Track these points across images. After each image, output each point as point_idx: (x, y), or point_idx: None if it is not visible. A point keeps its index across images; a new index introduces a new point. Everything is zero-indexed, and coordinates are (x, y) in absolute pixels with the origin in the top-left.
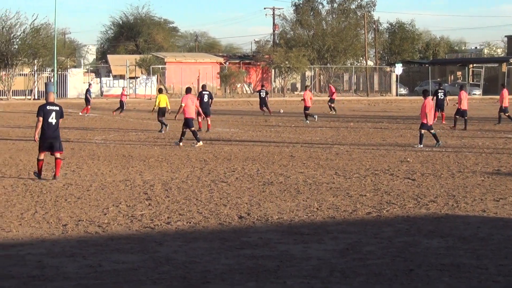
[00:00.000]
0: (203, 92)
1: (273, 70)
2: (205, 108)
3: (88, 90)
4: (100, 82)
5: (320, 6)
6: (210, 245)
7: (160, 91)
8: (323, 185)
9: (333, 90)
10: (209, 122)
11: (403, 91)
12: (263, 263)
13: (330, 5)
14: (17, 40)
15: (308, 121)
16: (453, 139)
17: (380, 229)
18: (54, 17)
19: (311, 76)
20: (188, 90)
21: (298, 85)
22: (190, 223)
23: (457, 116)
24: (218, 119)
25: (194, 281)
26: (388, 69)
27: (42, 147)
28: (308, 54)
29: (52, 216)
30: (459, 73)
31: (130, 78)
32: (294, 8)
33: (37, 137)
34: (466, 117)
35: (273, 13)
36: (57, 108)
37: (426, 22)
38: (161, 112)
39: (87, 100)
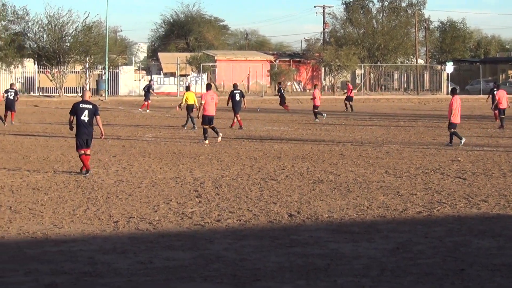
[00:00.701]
0: (235, 91)
1: (323, 68)
2: (236, 106)
3: (149, 86)
4: (151, 79)
5: (371, 4)
6: (260, 243)
7: (187, 88)
8: (373, 183)
9: (351, 87)
10: (239, 118)
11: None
12: (313, 261)
13: (380, 3)
14: (69, 37)
15: (318, 120)
16: (504, 139)
17: (430, 228)
18: (105, 15)
19: (361, 74)
20: (208, 87)
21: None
22: (240, 220)
23: (502, 116)
24: (268, 117)
25: (244, 278)
26: (439, 67)
27: (79, 145)
28: (358, 52)
29: (103, 212)
30: (510, 71)
31: (181, 75)
32: (344, 6)
33: (72, 127)
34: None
35: (324, 11)
36: (90, 106)
37: (477, 20)
38: (190, 108)
39: (146, 97)
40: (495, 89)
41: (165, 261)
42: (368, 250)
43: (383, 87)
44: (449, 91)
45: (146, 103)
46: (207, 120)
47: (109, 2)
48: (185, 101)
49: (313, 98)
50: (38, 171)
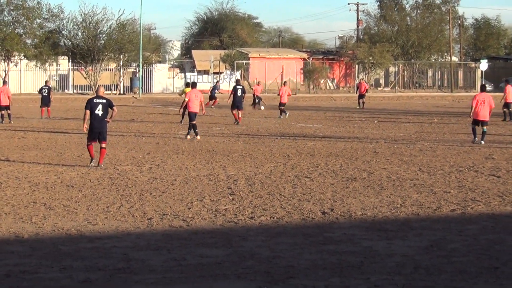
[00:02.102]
0: (237, 87)
1: (356, 66)
2: (238, 102)
3: (215, 87)
4: (185, 77)
5: (405, 1)
6: (294, 240)
7: (187, 85)
8: (406, 181)
9: (366, 86)
10: (240, 116)
11: (488, 87)
12: (347, 258)
13: (414, 0)
14: (103, 35)
15: (281, 117)
16: None
17: (464, 226)
18: (140, 13)
19: (394, 72)
20: (193, 85)
21: (382, 81)
22: (273, 218)
23: (504, 110)
24: (301, 114)
25: (278, 276)
26: (473, 65)
27: (90, 138)
28: (392, 49)
29: (137, 209)
30: None
31: (214, 73)
32: (378, 3)
33: (86, 126)
34: (511, 109)
35: (357, 8)
36: (104, 100)
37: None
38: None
39: (212, 96)
40: (505, 84)
41: (198, 258)
42: (402, 248)
43: (416, 85)
44: (480, 87)
45: (212, 101)
46: (191, 116)
47: (143, 0)
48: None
49: (280, 95)
50: (72, 168)
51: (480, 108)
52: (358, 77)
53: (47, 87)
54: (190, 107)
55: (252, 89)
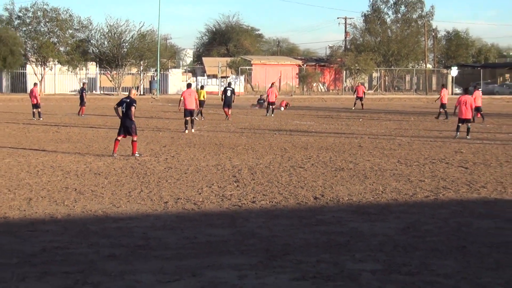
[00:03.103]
0: (227, 88)
1: (344, 72)
2: (228, 101)
3: (261, 99)
4: (196, 80)
5: (386, 16)
6: (290, 222)
7: (202, 87)
8: (387, 171)
9: (364, 89)
10: (229, 113)
11: (458, 90)
12: (335, 238)
13: (394, 15)
14: (126, 44)
15: (268, 114)
16: (502, 134)
17: (436, 210)
18: (158, 25)
19: (377, 77)
20: (188, 86)
21: (366, 85)
22: (272, 202)
23: (440, 110)
24: (296, 113)
25: (276, 252)
26: (445, 71)
27: (119, 131)
28: (375, 58)
29: (155, 194)
30: (507, 75)
31: (222, 77)
32: (363, 17)
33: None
34: (481, 112)
35: (345, 22)
36: (128, 100)
37: (478, 30)
38: (201, 103)
39: (261, 101)
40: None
41: (207, 237)
42: (383, 229)
43: (396, 88)
44: (464, 90)
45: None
46: (188, 113)
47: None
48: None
49: (268, 95)
50: (99, 158)
51: (463, 108)
52: (345, 81)
53: (84, 89)
54: (185, 104)
55: (253, 90)
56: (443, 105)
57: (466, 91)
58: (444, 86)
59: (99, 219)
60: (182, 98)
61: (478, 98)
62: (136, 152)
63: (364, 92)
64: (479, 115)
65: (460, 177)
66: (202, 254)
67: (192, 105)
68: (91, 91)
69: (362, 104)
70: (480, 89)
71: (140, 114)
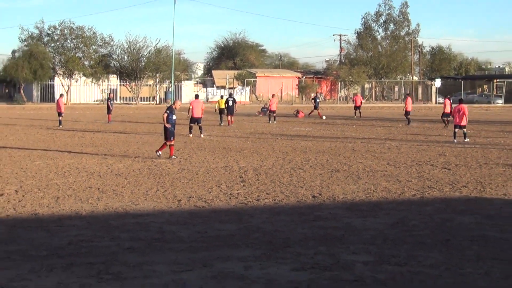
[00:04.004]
0: (229, 99)
1: (339, 83)
2: (230, 110)
3: (316, 98)
4: (206, 91)
5: (377, 33)
6: (290, 218)
7: (221, 97)
8: (378, 172)
9: (361, 99)
10: (231, 120)
11: (441, 100)
12: (332, 232)
13: (384, 32)
14: (144, 58)
15: (270, 122)
16: (481, 138)
17: (422, 207)
18: (172, 41)
19: (369, 88)
20: (196, 97)
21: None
22: (275, 200)
23: (443, 118)
24: (297, 120)
25: (278, 245)
26: (429, 82)
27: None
28: (367, 70)
29: (169, 193)
30: (485, 86)
31: (229, 88)
32: (356, 34)
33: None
34: (449, 118)
35: (340, 38)
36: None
37: (460, 46)
38: (221, 111)
39: (316, 107)
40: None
41: (217, 231)
42: (374, 224)
43: (386, 98)
44: (458, 100)
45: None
46: (194, 120)
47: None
48: (219, 105)
49: (270, 105)
50: (120, 161)
51: (457, 115)
52: (340, 91)
53: (111, 99)
54: (193, 113)
55: (257, 99)
56: (407, 113)
57: (460, 101)
58: (408, 95)
59: (119, 215)
60: (190, 107)
61: (409, 104)
62: (173, 155)
63: (362, 102)
64: (447, 121)
65: (444, 177)
66: (212, 247)
67: (199, 113)
68: (112, 101)
69: (360, 113)
70: (449, 97)
71: (156, 121)
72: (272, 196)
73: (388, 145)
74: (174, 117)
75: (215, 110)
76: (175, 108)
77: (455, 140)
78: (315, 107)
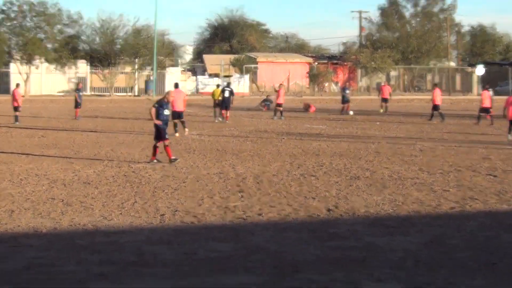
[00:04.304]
0: (226, 89)
1: (359, 70)
2: (226, 103)
3: (344, 90)
4: (196, 80)
5: (405, 10)
6: (300, 236)
7: (217, 86)
8: (407, 180)
9: (390, 90)
10: (227, 115)
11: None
12: (351, 254)
13: (414, 9)
14: (120, 40)
15: (275, 118)
16: None
17: (463, 223)
18: (154, 20)
19: (395, 76)
20: (176, 86)
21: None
22: (280, 214)
23: (480, 114)
24: (307, 116)
25: (285, 270)
26: (470, 69)
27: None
28: (393, 55)
29: (150, 206)
30: None
31: (225, 76)
32: (380, 11)
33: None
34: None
35: (360, 16)
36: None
37: (506, 25)
38: (217, 103)
39: (346, 101)
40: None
41: (209, 252)
42: (403, 243)
43: (416, 88)
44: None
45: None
46: (176, 115)
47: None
48: (214, 96)
49: (278, 96)
50: (89, 166)
51: (510, 108)
52: (360, 80)
53: (79, 90)
54: (174, 106)
55: (259, 90)
56: (435, 107)
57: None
58: (436, 85)
59: (88, 233)
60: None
61: (486, 99)
62: (173, 157)
63: (390, 93)
64: (488, 117)
65: (489, 186)
66: (202, 272)
67: (181, 107)
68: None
69: (386, 107)
70: (489, 89)
71: (135, 117)
72: (277, 209)
73: (419, 147)
74: (166, 112)
75: (215, 102)
76: (167, 101)
77: (510, 136)
78: (346, 100)
